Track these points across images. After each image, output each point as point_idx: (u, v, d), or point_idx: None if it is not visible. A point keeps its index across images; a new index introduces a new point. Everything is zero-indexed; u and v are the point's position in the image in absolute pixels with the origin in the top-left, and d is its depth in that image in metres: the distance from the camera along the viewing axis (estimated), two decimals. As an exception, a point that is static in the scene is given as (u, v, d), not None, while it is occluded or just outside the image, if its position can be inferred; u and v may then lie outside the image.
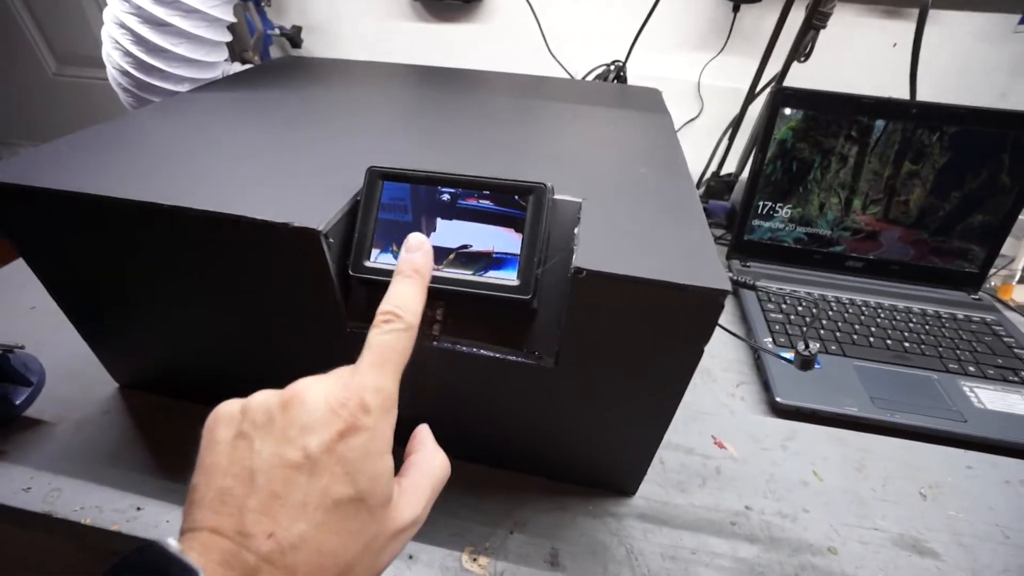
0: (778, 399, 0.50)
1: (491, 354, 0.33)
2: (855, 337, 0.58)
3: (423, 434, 0.26)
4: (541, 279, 0.31)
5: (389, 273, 0.26)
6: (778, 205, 0.68)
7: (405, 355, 0.23)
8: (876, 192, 0.66)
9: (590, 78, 0.89)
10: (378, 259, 0.32)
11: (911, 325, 0.61)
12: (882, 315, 0.62)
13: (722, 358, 0.57)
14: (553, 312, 0.32)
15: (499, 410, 0.38)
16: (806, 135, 0.65)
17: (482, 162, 0.40)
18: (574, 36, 0.95)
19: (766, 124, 0.65)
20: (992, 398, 0.51)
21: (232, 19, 0.76)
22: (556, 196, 0.33)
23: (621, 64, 0.88)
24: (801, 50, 0.70)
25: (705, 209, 0.54)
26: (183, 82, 0.73)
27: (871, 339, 0.58)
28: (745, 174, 0.72)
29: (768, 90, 0.75)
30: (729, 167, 0.83)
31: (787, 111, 0.64)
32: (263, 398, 0.21)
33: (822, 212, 0.68)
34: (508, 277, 0.30)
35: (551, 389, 0.34)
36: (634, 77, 0.89)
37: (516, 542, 0.38)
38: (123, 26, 0.67)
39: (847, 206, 0.67)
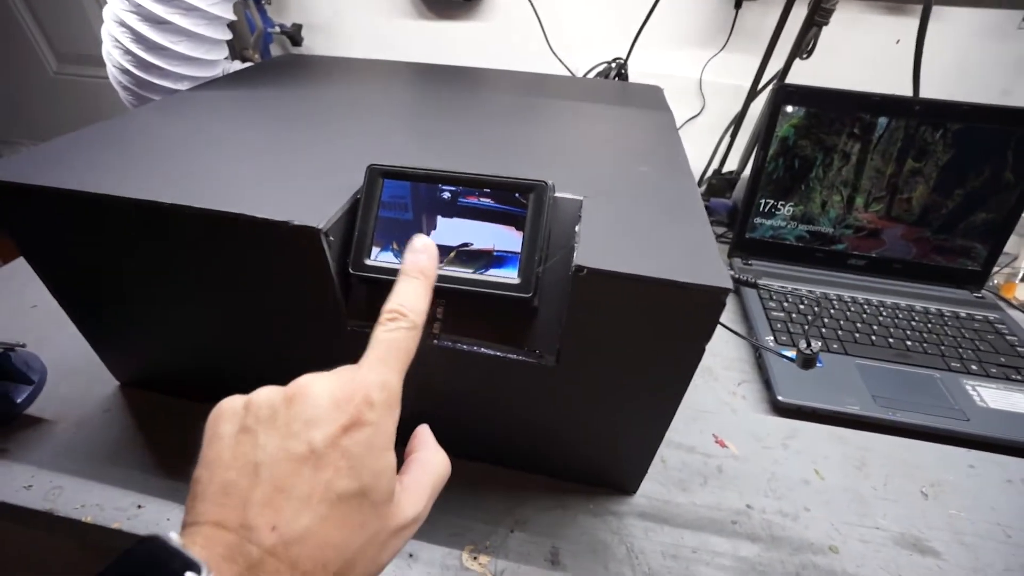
0: (780, 397, 0.49)
1: (492, 352, 0.33)
2: (857, 335, 0.58)
3: (424, 434, 0.26)
4: (542, 277, 0.31)
5: (390, 271, 0.26)
6: (780, 203, 0.68)
7: (410, 354, 0.23)
8: (878, 190, 0.66)
9: (591, 76, 0.89)
10: (378, 257, 0.31)
11: (913, 323, 0.60)
12: (884, 313, 0.62)
13: (723, 356, 0.56)
14: (554, 310, 0.32)
15: (500, 408, 0.38)
16: (808, 132, 0.65)
17: (483, 160, 0.40)
18: (575, 33, 0.94)
19: (768, 121, 0.65)
20: (995, 397, 0.51)
21: (232, 17, 0.76)
22: (557, 194, 0.33)
23: (622, 61, 0.88)
24: (803, 47, 0.70)
25: (706, 207, 0.54)
26: (183, 80, 0.73)
27: (873, 337, 0.58)
28: (747, 172, 0.72)
29: (770, 87, 0.75)
30: (731, 165, 0.83)
31: (789, 108, 0.64)
32: (267, 393, 0.21)
33: (824, 210, 0.68)
34: (509, 275, 0.30)
35: (552, 387, 0.34)
36: (635, 74, 0.89)
37: (517, 540, 0.38)
38: (123, 24, 0.67)
39: (849, 204, 0.67)
